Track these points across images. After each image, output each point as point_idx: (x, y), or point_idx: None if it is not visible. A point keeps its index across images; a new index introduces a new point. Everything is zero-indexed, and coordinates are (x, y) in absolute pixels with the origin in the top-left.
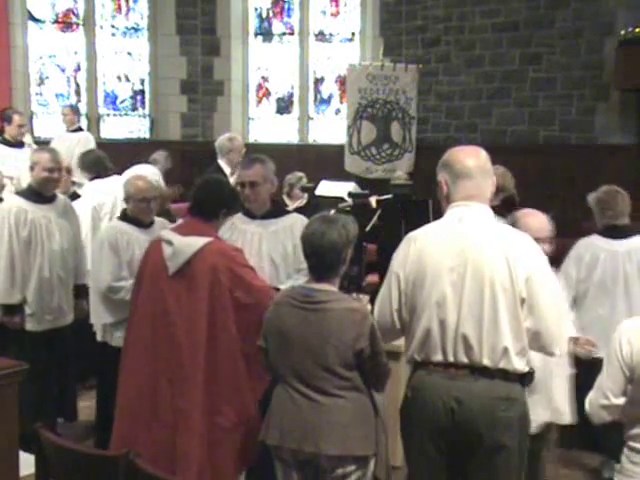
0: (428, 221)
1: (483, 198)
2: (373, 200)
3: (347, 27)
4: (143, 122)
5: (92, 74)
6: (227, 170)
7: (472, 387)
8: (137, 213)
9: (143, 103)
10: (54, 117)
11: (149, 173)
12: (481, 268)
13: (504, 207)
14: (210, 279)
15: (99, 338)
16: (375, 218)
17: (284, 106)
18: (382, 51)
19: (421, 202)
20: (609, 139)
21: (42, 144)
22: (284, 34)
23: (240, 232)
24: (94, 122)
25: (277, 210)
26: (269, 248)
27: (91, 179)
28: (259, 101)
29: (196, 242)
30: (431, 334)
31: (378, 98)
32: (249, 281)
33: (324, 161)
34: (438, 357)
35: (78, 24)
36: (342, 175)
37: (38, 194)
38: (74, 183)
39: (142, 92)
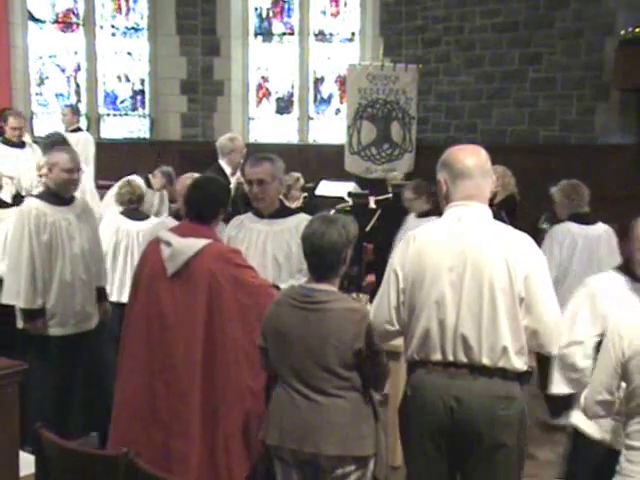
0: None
1: (482, 198)
2: (372, 201)
3: (347, 27)
4: (143, 122)
5: (92, 74)
6: (228, 170)
7: (471, 386)
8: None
9: (143, 103)
10: (54, 117)
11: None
12: (480, 268)
13: (504, 206)
14: (209, 281)
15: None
16: (375, 218)
17: (284, 106)
18: (382, 51)
19: None
20: (609, 139)
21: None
22: (284, 34)
23: (247, 230)
24: (94, 122)
25: (284, 210)
26: (273, 247)
27: None
28: (259, 101)
29: (195, 244)
30: (430, 334)
31: (378, 98)
32: (249, 281)
33: (324, 161)
34: (437, 356)
35: (78, 24)
36: (342, 175)
37: (57, 196)
38: None
39: (142, 92)
